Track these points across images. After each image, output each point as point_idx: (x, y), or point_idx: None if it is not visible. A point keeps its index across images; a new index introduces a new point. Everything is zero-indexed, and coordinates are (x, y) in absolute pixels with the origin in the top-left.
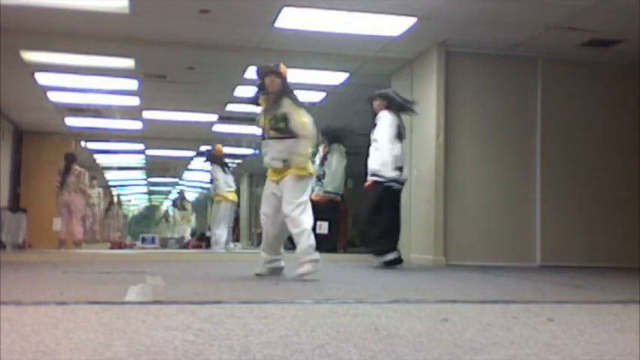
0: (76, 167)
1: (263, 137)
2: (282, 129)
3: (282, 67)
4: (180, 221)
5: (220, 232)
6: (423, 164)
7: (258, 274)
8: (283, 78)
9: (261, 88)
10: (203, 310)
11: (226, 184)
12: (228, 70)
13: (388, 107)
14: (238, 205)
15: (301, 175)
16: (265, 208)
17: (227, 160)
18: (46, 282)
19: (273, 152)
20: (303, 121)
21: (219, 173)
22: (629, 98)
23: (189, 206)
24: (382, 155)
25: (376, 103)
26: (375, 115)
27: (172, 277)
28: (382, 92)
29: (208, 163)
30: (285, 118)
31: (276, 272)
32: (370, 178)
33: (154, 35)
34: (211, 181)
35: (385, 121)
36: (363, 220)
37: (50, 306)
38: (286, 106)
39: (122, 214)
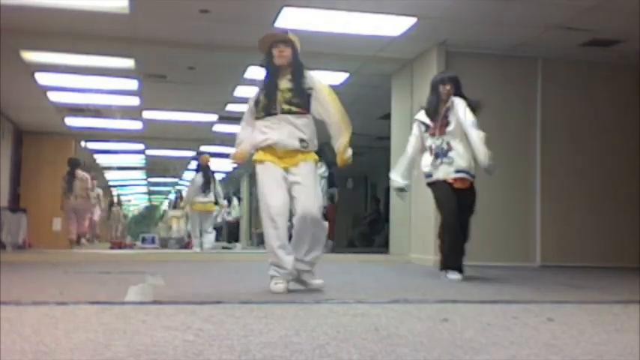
0: (79, 171)
1: (269, 113)
2: (299, 104)
3: (292, 35)
4: (176, 221)
5: None
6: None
7: (281, 290)
8: (294, 48)
9: (268, 62)
10: (203, 310)
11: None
12: (228, 70)
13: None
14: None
15: (316, 162)
16: (277, 200)
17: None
18: (46, 282)
19: (286, 129)
20: (340, 107)
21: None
22: (629, 98)
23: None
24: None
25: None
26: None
27: (172, 277)
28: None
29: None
30: (306, 94)
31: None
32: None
33: (154, 35)
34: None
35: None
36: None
37: (50, 306)
38: (311, 79)
39: (122, 214)
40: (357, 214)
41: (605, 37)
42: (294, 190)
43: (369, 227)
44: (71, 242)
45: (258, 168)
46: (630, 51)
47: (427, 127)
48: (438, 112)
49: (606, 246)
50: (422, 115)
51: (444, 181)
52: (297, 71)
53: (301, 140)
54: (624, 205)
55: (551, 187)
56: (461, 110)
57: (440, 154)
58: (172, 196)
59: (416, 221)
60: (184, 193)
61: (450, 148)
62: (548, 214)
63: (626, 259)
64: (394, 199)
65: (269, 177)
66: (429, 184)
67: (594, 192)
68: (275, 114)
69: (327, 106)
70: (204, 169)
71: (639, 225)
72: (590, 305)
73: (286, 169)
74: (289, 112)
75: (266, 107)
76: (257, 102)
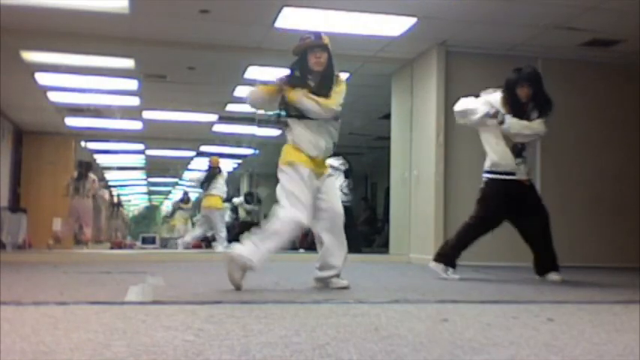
0: (90, 175)
1: (306, 116)
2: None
3: (326, 38)
4: (181, 221)
5: None
6: (423, 164)
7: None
8: (330, 53)
9: (303, 68)
10: (203, 310)
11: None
12: (228, 70)
13: None
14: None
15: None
16: (306, 205)
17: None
18: (46, 282)
19: (324, 139)
20: (331, 103)
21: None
22: (629, 98)
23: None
24: None
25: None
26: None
27: (172, 277)
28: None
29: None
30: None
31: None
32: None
33: (154, 35)
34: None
35: None
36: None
37: (50, 306)
38: (343, 86)
39: (123, 214)
40: (357, 214)
41: (605, 37)
42: (321, 202)
43: (368, 227)
44: (55, 239)
45: (290, 169)
46: (630, 51)
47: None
48: (518, 113)
49: (606, 246)
50: (496, 102)
51: (519, 182)
52: (329, 80)
53: (327, 149)
54: (624, 205)
55: (550, 186)
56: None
57: (519, 152)
58: (178, 197)
59: (416, 221)
60: (190, 195)
61: (524, 147)
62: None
63: (626, 259)
64: (394, 199)
65: (300, 181)
66: (502, 181)
67: (594, 192)
68: (312, 118)
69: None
70: (214, 169)
71: (639, 225)
72: (590, 305)
73: (316, 174)
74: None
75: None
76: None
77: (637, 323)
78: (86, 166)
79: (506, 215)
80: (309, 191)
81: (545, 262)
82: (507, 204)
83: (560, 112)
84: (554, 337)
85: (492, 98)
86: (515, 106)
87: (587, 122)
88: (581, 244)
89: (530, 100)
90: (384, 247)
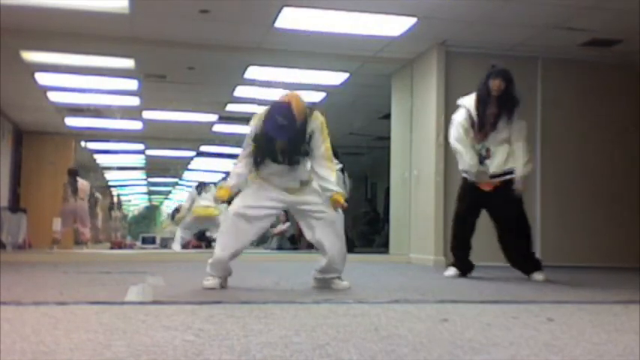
0: (78, 180)
1: (273, 159)
2: (303, 153)
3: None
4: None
5: None
6: (423, 164)
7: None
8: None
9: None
10: (203, 310)
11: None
12: (228, 70)
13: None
14: None
15: None
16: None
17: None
18: (46, 282)
19: (290, 176)
20: (329, 147)
21: None
22: (629, 98)
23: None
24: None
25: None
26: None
27: (172, 277)
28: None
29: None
30: (306, 139)
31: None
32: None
33: (153, 35)
34: None
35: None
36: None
37: (50, 306)
38: (314, 122)
39: (123, 214)
40: (357, 214)
41: (605, 37)
42: (309, 215)
43: (368, 227)
44: (54, 241)
45: (253, 184)
46: (630, 51)
47: (472, 121)
48: (485, 109)
49: (606, 246)
50: (470, 105)
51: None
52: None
53: (302, 182)
54: (624, 205)
55: (551, 187)
56: (522, 132)
57: (482, 160)
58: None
59: (416, 221)
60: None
61: (487, 156)
62: (548, 215)
63: (626, 259)
64: (394, 199)
65: (259, 193)
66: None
67: (594, 192)
68: (278, 162)
69: (320, 145)
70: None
71: (639, 225)
72: (590, 305)
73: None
74: (290, 163)
75: (266, 154)
76: (255, 139)
77: (637, 323)
78: (73, 173)
79: (476, 208)
80: (265, 197)
81: (524, 264)
82: (476, 199)
83: (560, 112)
84: (554, 337)
85: (467, 102)
86: (484, 102)
87: (586, 122)
88: (581, 244)
89: (501, 93)
90: (384, 247)
